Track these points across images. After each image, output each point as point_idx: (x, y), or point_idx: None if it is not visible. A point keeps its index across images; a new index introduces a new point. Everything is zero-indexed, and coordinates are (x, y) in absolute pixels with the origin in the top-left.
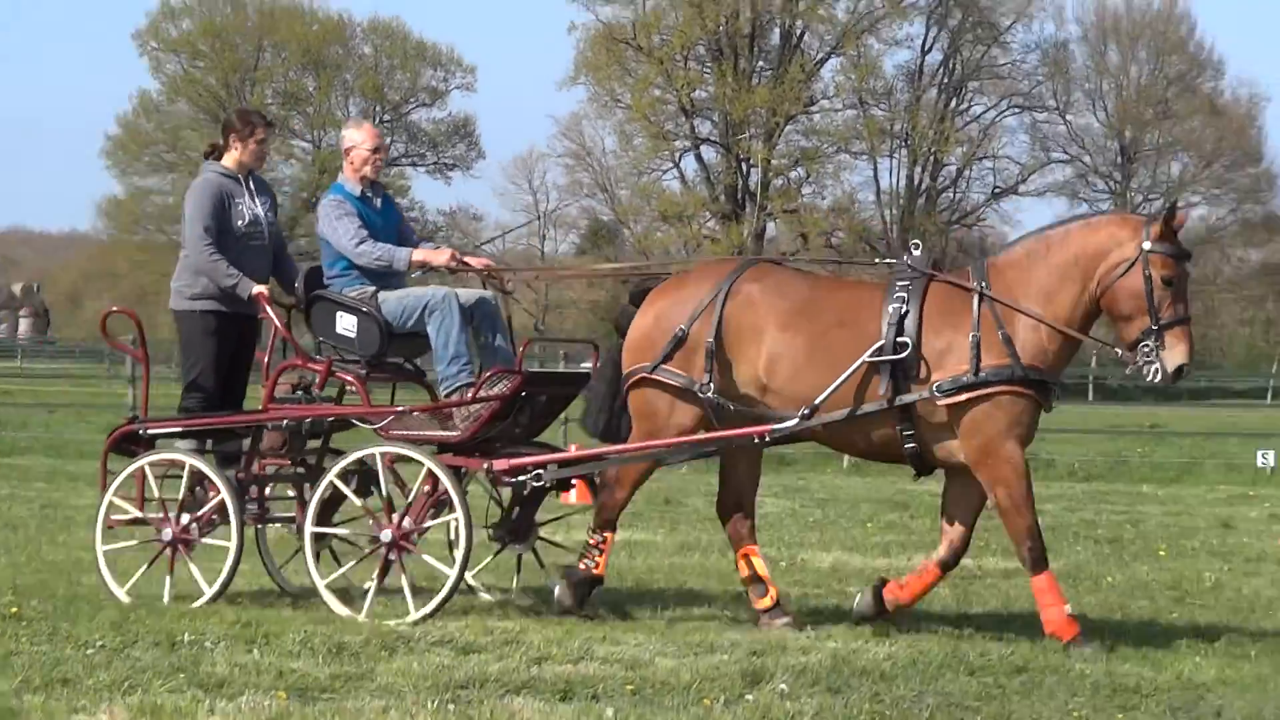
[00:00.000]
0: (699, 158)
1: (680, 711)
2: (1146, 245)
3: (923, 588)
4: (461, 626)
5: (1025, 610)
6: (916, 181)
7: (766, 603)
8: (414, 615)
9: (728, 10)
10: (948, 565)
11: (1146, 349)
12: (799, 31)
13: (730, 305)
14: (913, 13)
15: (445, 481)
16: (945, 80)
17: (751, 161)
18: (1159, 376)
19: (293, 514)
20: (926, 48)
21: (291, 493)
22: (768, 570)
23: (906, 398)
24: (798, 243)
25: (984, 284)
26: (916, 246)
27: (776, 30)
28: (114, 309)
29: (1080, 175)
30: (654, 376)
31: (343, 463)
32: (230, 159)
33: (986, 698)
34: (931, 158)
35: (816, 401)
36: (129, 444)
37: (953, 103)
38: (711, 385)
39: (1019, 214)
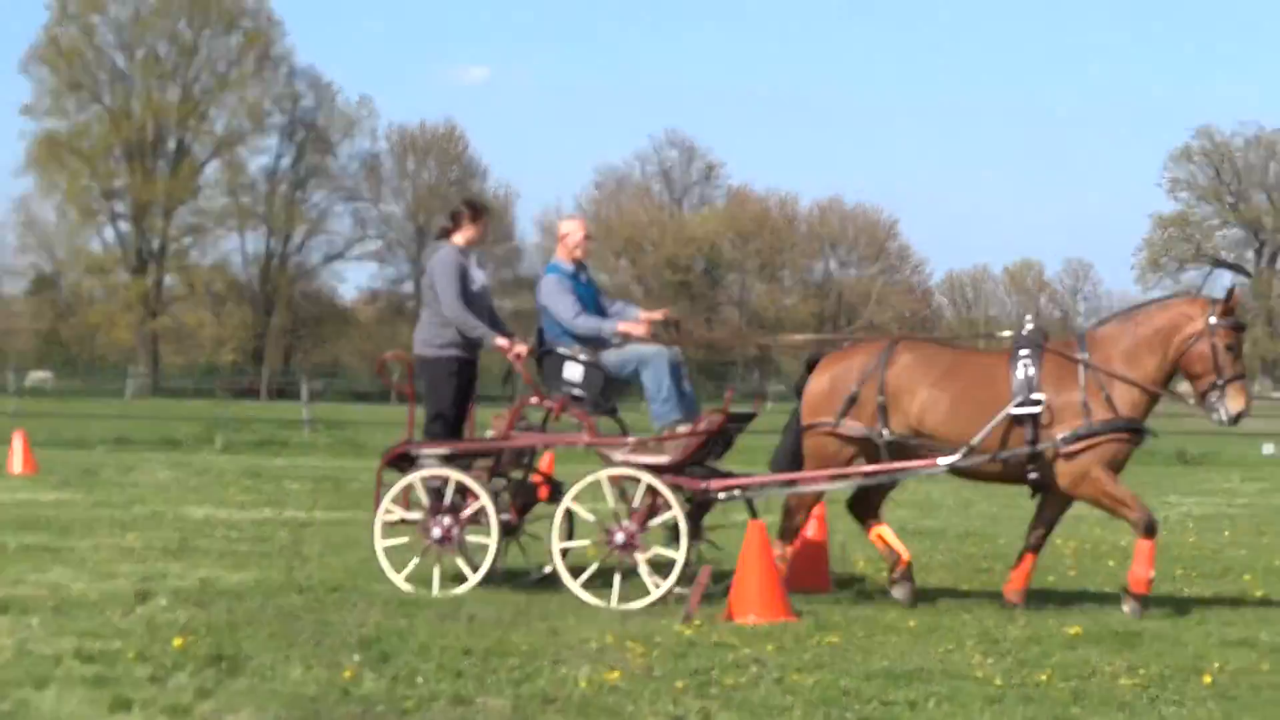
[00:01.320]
0: (116, 229)
1: (87, 620)
2: (1213, 320)
3: (1027, 573)
4: None
5: (343, 545)
6: (272, 249)
7: (901, 567)
8: (653, 595)
9: (137, 124)
10: (1037, 549)
11: (1213, 399)
12: (189, 141)
13: (889, 371)
14: (270, 130)
15: (669, 497)
16: (293, 178)
17: (154, 233)
18: (1225, 419)
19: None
20: (280, 155)
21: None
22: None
23: (1041, 446)
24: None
25: (1085, 354)
26: (1030, 322)
27: (173, 139)
28: (389, 354)
29: (388, 248)
30: (838, 431)
31: (587, 480)
32: (462, 238)
33: (309, 610)
34: (284, 233)
35: (974, 442)
36: (402, 461)
37: (298, 194)
38: (885, 432)
39: (346, 272)
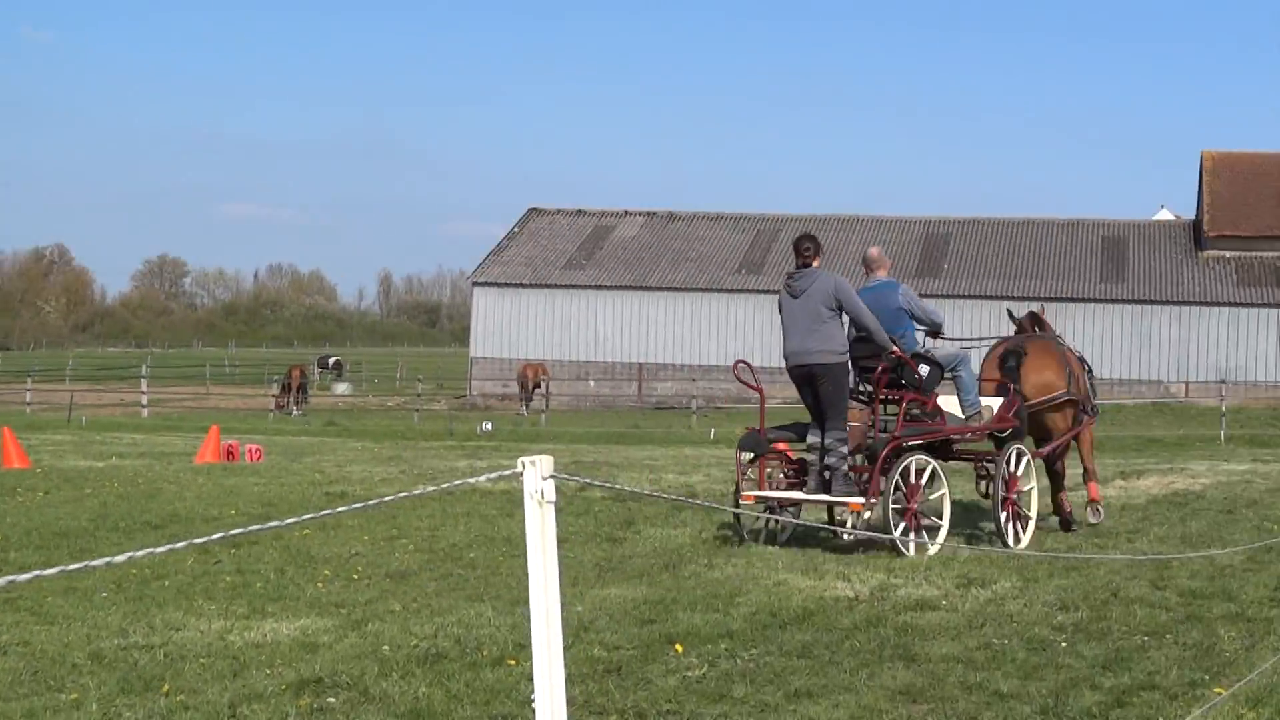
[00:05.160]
0: None
1: None
2: None
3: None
4: None
5: None
6: None
7: None
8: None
9: None
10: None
11: None
12: None
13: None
14: None
15: (1029, 466)
16: None
17: None
18: None
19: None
20: None
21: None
22: None
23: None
24: None
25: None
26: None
27: None
28: (740, 360)
29: None
30: (1071, 398)
31: (1015, 450)
32: (817, 263)
33: None
34: None
35: (1096, 403)
36: (749, 444)
37: None
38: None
39: None
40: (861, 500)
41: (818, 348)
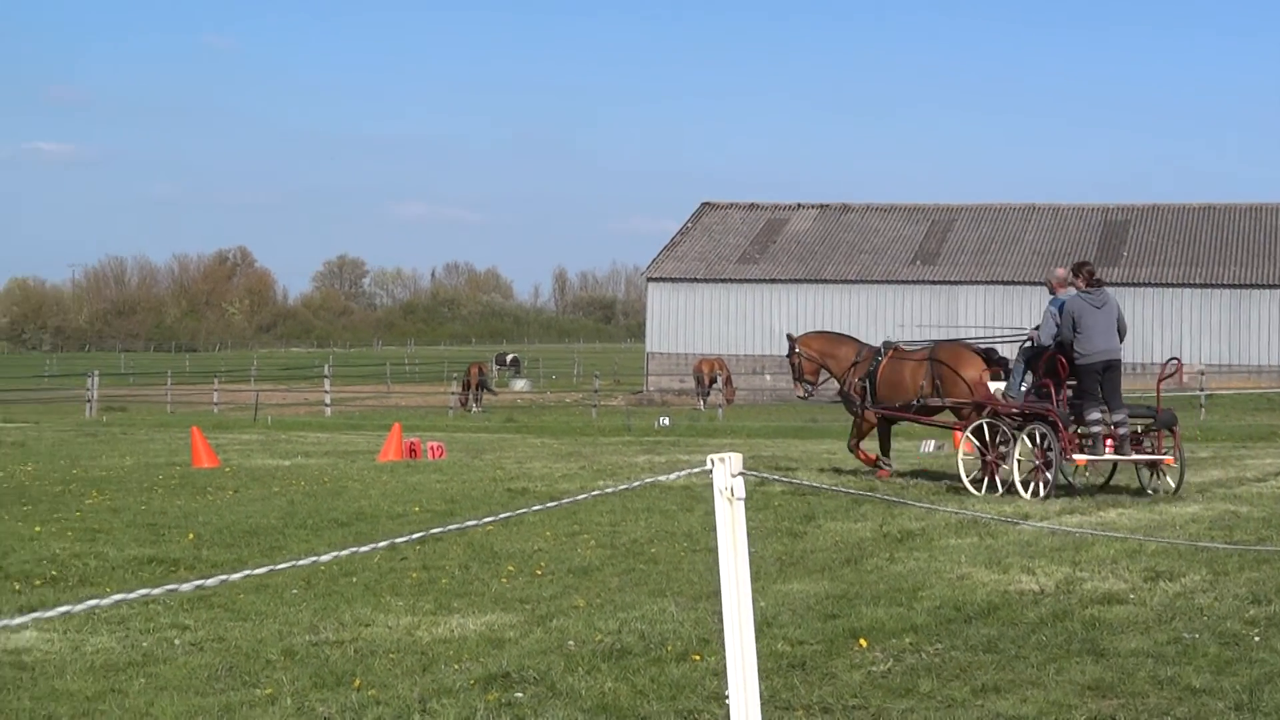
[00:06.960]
0: None
1: None
2: None
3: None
4: None
5: None
6: None
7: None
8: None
9: None
10: None
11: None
12: None
13: None
14: None
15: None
16: None
17: None
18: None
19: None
20: None
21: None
22: None
23: None
24: None
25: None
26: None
27: None
28: (1174, 357)
29: None
30: None
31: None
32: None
33: None
34: None
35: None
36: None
37: None
38: None
39: None
40: (1172, 457)
41: (1119, 346)
